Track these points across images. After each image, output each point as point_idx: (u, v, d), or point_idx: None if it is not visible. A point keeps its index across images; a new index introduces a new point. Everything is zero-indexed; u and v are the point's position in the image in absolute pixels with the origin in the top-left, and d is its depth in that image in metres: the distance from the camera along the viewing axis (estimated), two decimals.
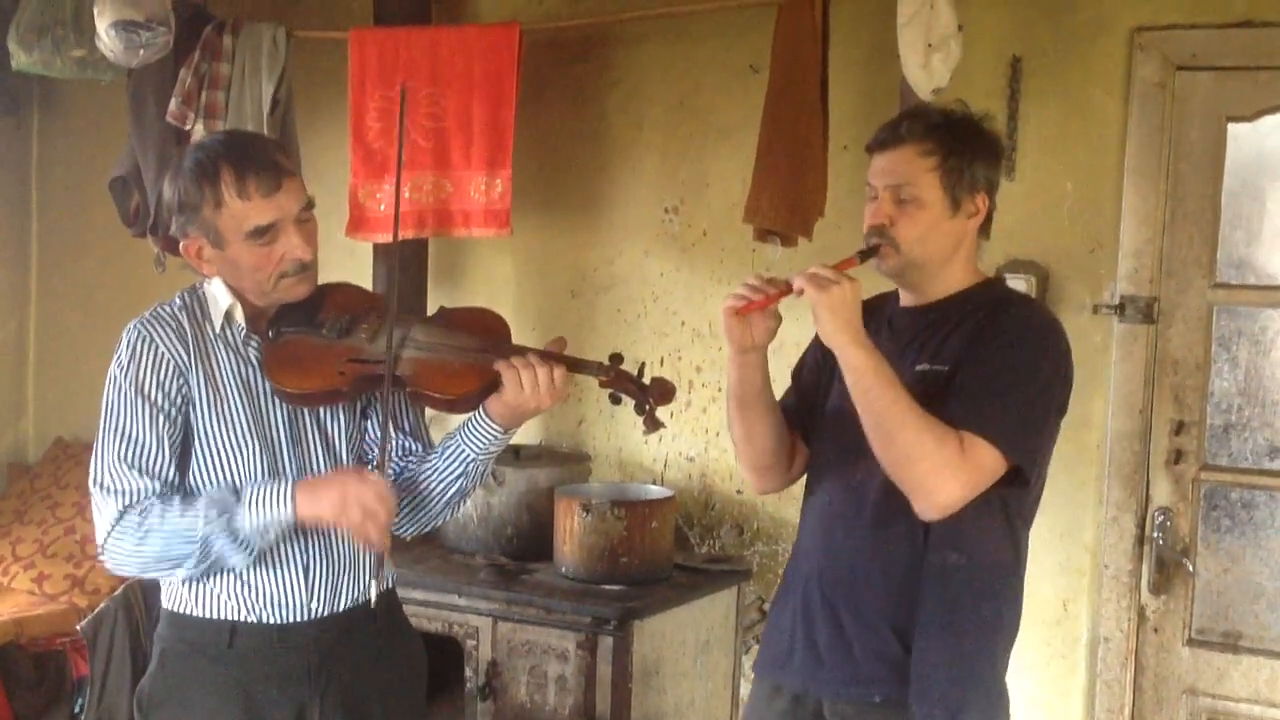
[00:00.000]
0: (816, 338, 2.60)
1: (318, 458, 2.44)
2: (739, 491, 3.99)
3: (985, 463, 2.26)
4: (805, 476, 2.63)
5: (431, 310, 2.54)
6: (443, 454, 2.47)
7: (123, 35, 3.72)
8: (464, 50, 3.90)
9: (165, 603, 2.45)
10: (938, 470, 2.24)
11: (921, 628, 2.36)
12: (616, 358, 2.42)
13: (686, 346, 4.07)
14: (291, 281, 2.37)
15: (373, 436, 2.51)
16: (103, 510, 2.32)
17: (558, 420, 4.22)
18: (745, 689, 3.92)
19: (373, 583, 2.35)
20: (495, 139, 3.87)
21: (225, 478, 2.36)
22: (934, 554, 2.35)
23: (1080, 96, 3.53)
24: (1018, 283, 3.41)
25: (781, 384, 2.63)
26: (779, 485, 2.67)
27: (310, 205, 2.39)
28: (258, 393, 2.40)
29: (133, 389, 2.34)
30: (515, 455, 3.87)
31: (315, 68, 4.25)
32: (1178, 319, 3.47)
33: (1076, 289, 3.53)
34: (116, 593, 4.12)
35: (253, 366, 2.41)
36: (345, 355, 2.39)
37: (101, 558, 2.35)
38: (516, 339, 2.50)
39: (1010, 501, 2.37)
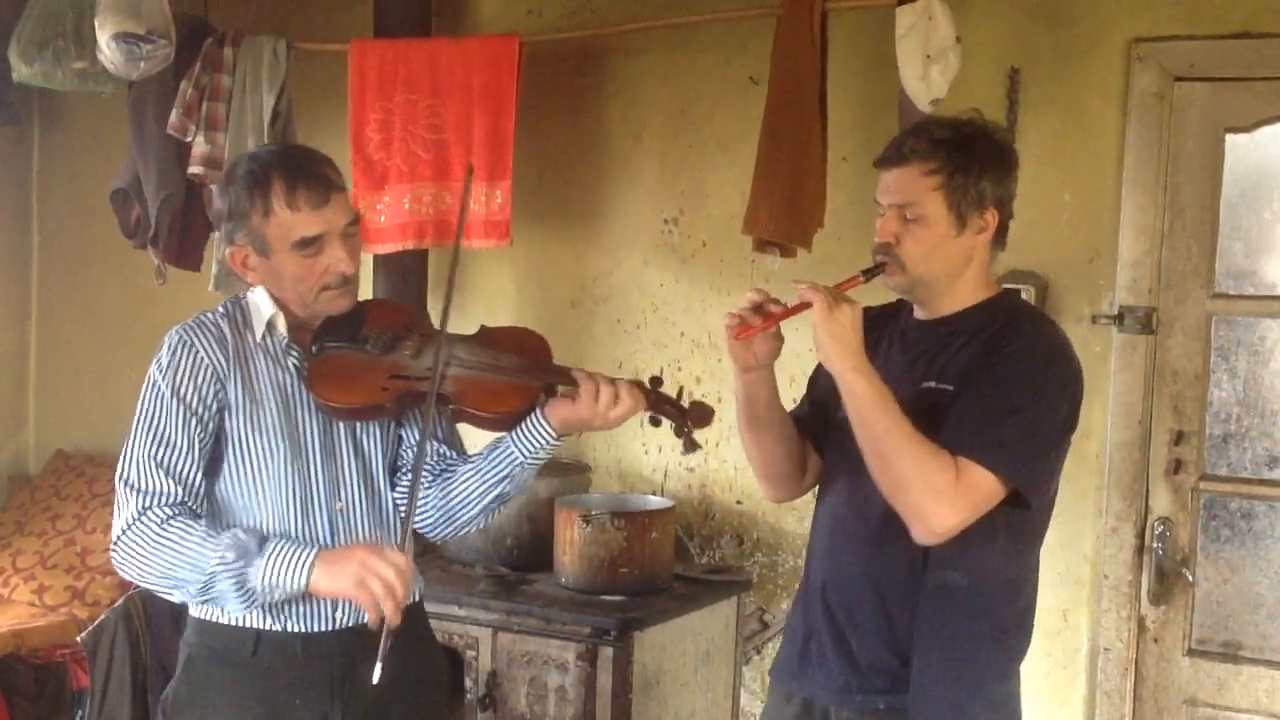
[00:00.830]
0: None
1: (350, 471, 2.46)
2: (739, 502, 3.99)
3: (982, 488, 2.25)
4: (817, 488, 2.63)
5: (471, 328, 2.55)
6: (488, 455, 2.48)
7: (123, 47, 3.73)
8: (464, 62, 3.91)
9: (192, 610, 2.46)
10: (933, 497, 2.23)
11: (920, 643, 2.35)
12: (656, 380, 2.46)
13: (686, 357, 4.07)
14: (333, 294, 2.40)
15: (408, 445, 2.53)
16: (124, 507, 2.32)
17: None
18: (745, 699, 3.92)
19: (379, 665, 2.23)
20: (495, 150, 3.87)
21: (255, 485, 2.38)
22: (933, 574, 2.35)
23: (1078, 107, 3.53)
24: (1029, 306, 3.40)
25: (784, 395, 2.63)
26: (793, 494, 2.67)
27: (356, 220, 2.42)
28: (294, 403, 2.42)
29: (169, 392, 2.35)
30: None
31: (316, 79, 4.26)
32: (1176, 329, 3.47)
33: (1075, 299, 3.54)
34: (117, 604, 4.11)
35: (291, 376, 2.43)
36: (389, 371, 2.41)
37: (112, 552, 2.34)
38: None
39: (1013, 522, 2.35)
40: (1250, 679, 3.45)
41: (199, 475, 2.35)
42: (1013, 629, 2.43)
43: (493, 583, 3.60)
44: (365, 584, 2.23)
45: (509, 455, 2.45)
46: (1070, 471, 3.39)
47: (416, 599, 2.56)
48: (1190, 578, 3.48)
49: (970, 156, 2.37)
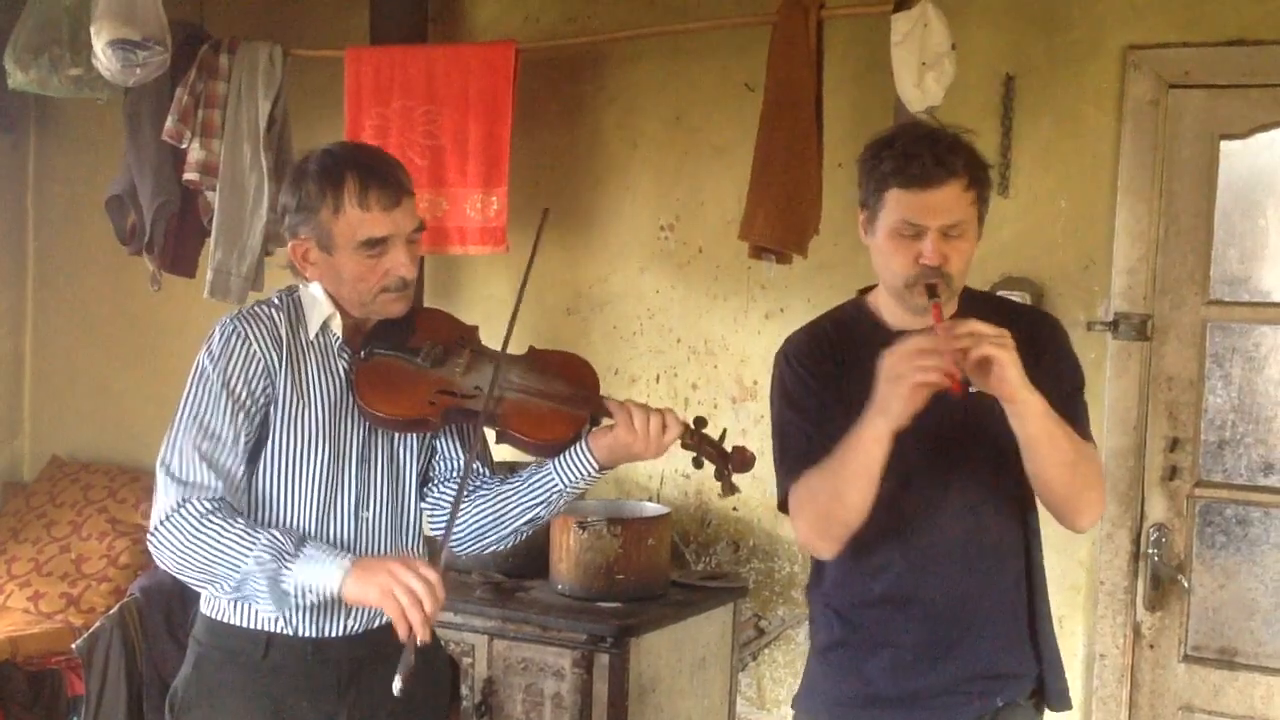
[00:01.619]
0: (830, 386, 2.44)
1: (382, 479, 2.47)
2: (735, 509, 3.99)
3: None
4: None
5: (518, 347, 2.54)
6: (528, 479, 2.48)
7: (119, 54, 3.73)
8: (460, 69, 3.91)
9: (204, 608, 2.47)
10: (1101, 485, 2.36)
11: (1041, 630, 2.48)
12: (700, 421, 2.45)
13: (682, 364, 4.07)
14: (391, 297, 2.41)
15: (441, 456, 2.54)
16: (164, 495, 2.31)
17: None
18: (742, 706, 3.91)
19: (398, 678, 2.20)
20: (491, 157, 3.88)
21: (286, 482, 2.39)
22: (1035, 554, 2.49)
23: (1073, 114, 3.54)
24: (1013, 299, 3.41)
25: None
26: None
27: (421, 227, 2.43)
28: (339, 405, 2.42)
29: (219, 382, 2.34)
30: (510, 472, 3.86)
31: (311, 86, 4.26)
32: (1172, 336, 3.48)
33: (1070, 306, 3.54)
34: (112, 612, 4.11)
35: (339, 378, 2.43)
36: (437, 386, 2.41)
37: (150, 539, 2.33)
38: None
39: None
40: (1246, 685, 3.45)
41: (241, 468, 2.35)
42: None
43: (489, 590, 3.60)
44: (393, 595, 2.22)
45: (549, 482, 2.45)
46: None
47: None
48: (1186, 584, 3.48)
49: (983, 167, 2.36)
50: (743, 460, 2.44)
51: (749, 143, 3.57)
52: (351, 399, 2.42)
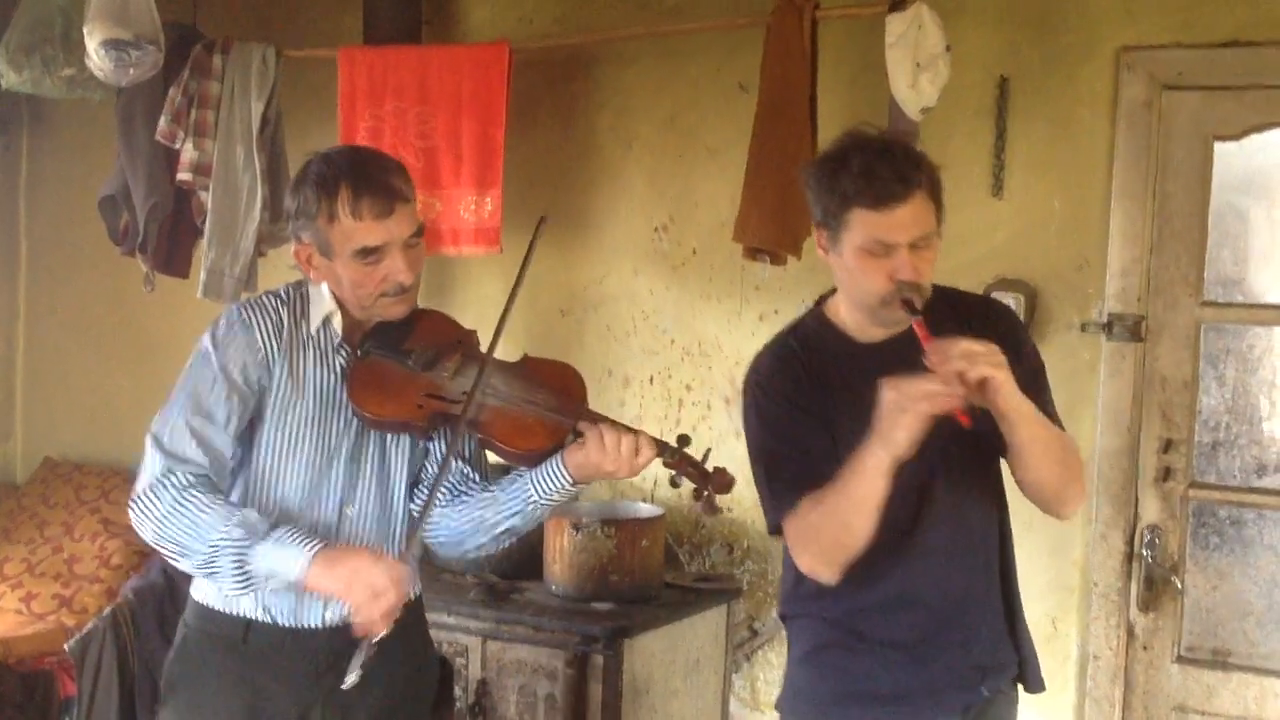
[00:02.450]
0: (814, 412, 2.43)
1: (370, 478, 2.48)
2: (729, 510, 3.99)
3: None
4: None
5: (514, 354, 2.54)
6: (505, 488, 2.49)
7: (112, 54, 3.72)
8: (453, 69, 3.91)
9: (193, 592, 2.51)
10: (1082, 470, 2.41)
11: (1019, 621, 2.52)
12: (683, 439, 2.44)
13: (676, 365, 4.07)
14: (390, 301, 2.43)
15: (434, 459, 2.55)
16: (150, 465, 2.35)
17: None
18: (735, 707, 3.91)
19: (357, 672, 2.26)
20: (485, 158, 3.88)
21: (274, 471, 2.42)
22: (1007, 549, 2.50)
23: (1067, 116, 3.54)
24: (1006, 301, 3.41)
25: None
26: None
27: (420, 231, 2.43)
28: (332, 401, 2.45)
29: (219, 366, 2.38)
30: (504, 473, 3.86)
31: (305, 87, 4.25)
32: (1165, 337, 3.48)
33: (1064, 307, 3.54)
34: (104, 612, 4.09)
35: (336, 375, 2.46)
36: (425, 389, 2.42)
37: (130, 506, 2.36)
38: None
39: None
40: (1239, 686, 3.45)
41: (229, 449, 2.39)
42: None
43: (483, 591, 3.59)
44: (354, 589, 2.25)
45: (525, 492, 2.45)
46: None
47: (412, 596, 2.55)
48: (1179, 585, 3.49)
49: (934, 169, 2.33)
50: (723, 482, 2.42)
51: (743, 144, 3.56)
52: (344, 399, 2.44)
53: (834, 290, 2.48)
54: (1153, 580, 3.49)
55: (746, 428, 2.48)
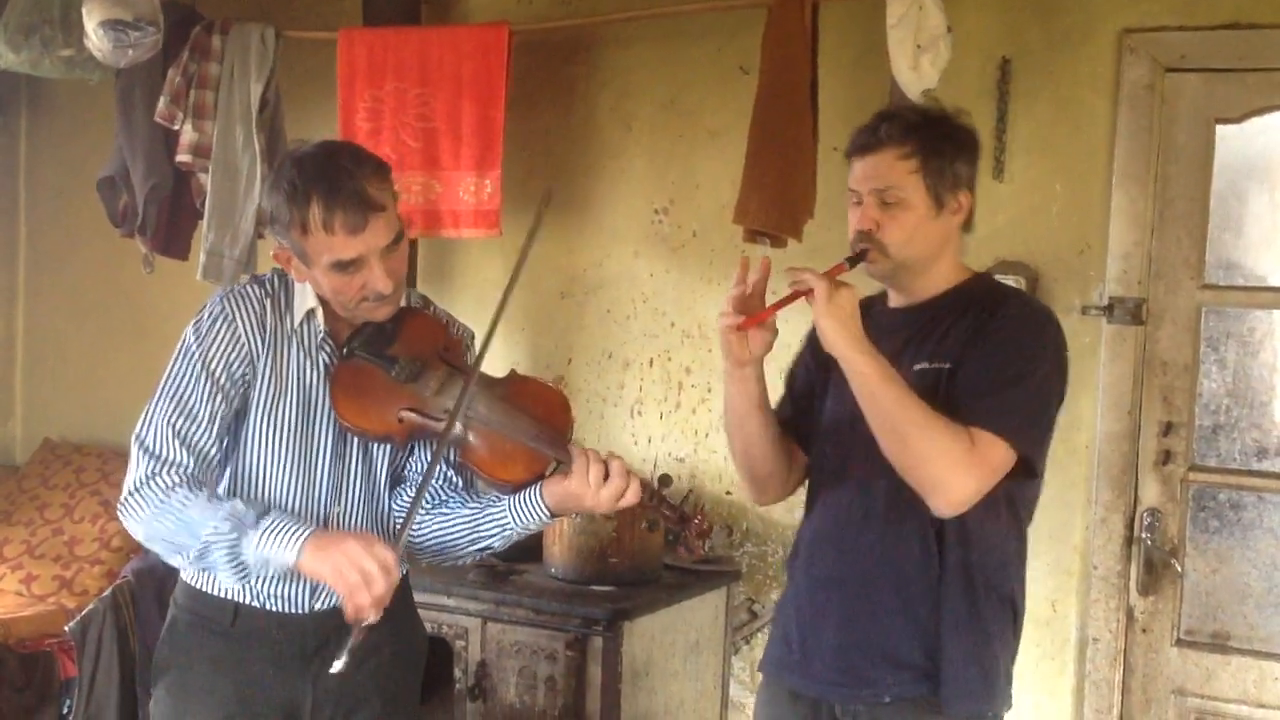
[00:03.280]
0: (807, 344, 2.60)
1: (355, 476, 2.47)
2: (728, 492, 3.99)
3: (996, 457, 2.28)
4: (807, 482, 2.62)
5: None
6: (483, 510, 2.46)
7: (111, 35, 3.71)
8: (453, 51, 3.90)
9: (182, 574, 2.50)
10: (952, 468, 2.25)
11: (947, 626, 2.36)
12: (665, 480, 2.46)
13: (676, 347, 4.07)
14: (372, 306, 2.38)
15: (417, 457, 2.53)
16: (135, 467, 2.33)
17: None
18: (735, 689, 3.92)
19: (343, 657, 2.24)
20: (484, 140, 3.87)
21: (259, 469, 2.40)
22: (950, 552, 2.36)
23: (1069, 98, 3.53)
24: (1007, 283, 3.41)
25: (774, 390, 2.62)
26: (779, 496, 2.65)
27: (400, 237, 2.36)
28: (315, 398, 2.43)
29: (200, 362, 2.35)
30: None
31: (304, 68, 4.24)
32: (1166, 320, 3.48)
33: (1065, 290, 3.54)
34: (105, 594, 4.10)
35: (319, 373, 2.43)
36: (406, 403, 2.37)
37: (119, 509, 2.36)
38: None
39: (1015, 495, 2.39)
40: (1239, 669, 3.46)
41: (214, 448, 2.37)
42: (1020, 600, 2.47)
43: (482, 573, 3.59)
44: (344, 574, 2.22)
45: (501, 518, 2.43)
46: (1060, 462, 3.41)
47: (403, 572, 2.54)
48: (1179, 568, 3.49)
49: (943, 139, 2.40)
50: (702, 531, 2.45)
51: (743, 126, 3.55)
52: (327, 398, 2.41)
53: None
54: (1152, 563, 3.49)
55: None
